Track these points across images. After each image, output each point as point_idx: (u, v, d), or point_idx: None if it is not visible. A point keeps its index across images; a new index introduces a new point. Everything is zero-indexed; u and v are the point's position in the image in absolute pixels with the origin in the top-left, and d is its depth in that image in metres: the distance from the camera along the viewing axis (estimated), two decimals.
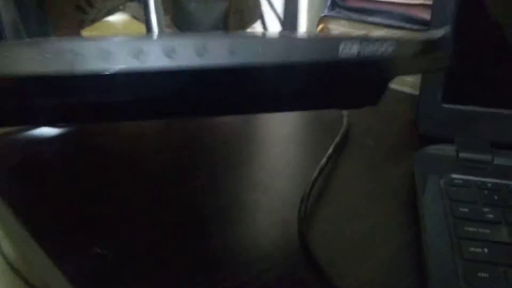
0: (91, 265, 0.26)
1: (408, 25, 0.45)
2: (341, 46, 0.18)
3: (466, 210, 0.28)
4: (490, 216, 0.27)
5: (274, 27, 0.53)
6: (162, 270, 0.26)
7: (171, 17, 0.49)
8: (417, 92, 0.37)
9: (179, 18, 0.48)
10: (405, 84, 0.47)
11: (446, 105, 0.35)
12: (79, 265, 0.27)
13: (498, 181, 0.31)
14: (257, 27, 0.51)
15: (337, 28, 0.49)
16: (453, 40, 0.33)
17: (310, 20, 0.56)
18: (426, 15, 0.44)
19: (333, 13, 0.49)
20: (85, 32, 0.47)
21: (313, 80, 0.20)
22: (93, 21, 0.49)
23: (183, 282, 0.25)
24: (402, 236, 0.28)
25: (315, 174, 0.32)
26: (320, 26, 0.50)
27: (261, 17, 0.51)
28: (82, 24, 0.48)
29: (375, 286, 0.25)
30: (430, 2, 0.43)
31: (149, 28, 0.31)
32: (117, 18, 0.49)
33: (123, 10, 0.49)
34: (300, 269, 0.26)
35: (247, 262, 0.26)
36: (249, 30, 0.50)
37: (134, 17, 0.49)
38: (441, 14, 0.34)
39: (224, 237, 0.28)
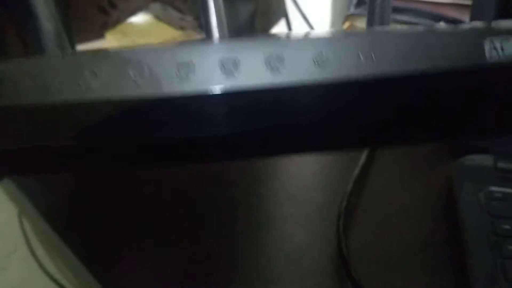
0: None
1: (438, 24, 0.44)
2: (487, 46, 0.14)
3: (507, 227, 0.28)
4: None
5: (298, 23, 0.52)
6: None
7: (194, 17, 0.48)
8: None
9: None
10: None
11: None
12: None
13: None
14: (281, 26, 0.50)
15: (364, 26, 0.48)
16: None
17: (334, 17, 0.55)
18: (456, 14, 0.43)
19: (359, 10, 0.48)
20: (109, 35, 0.47)
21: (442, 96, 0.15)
22: (116, 22, 0.48)
23: None
24: (442, 254, 0.28)
25: (349, 187, 0.32)
26: (346, 24, 0.49)
27: (285, 15, 0.50)
28: (105, 26, 0.48)
29: None
30: (460, 1, 0.42)
31: (208, 34, 0.29)
32: (140, 19, 0.49)
33: (146, 10, 0.49)
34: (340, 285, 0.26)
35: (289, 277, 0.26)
36: (274, 30, 0.49)
37: (158, 17, 0.49)
38: (479, 14, 0.33)
39: (266, 254, 0.28)
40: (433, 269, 0.27)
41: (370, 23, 0.27)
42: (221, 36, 0.29)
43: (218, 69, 0.13)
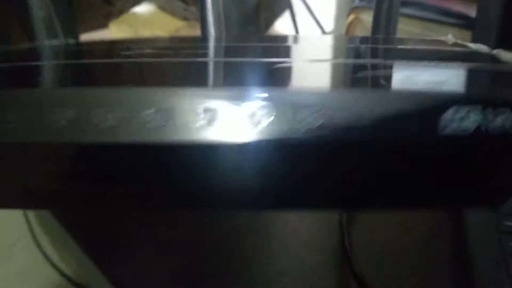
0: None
1: (443, 19, 0.44)
2: (446, 117, 0.13)
3: (511, 224, 0.28)
4: None
5: (302, 15, 0.52)
6: None
7: (197, 8, 0.48)
8: None
9: None
10: None
11: None
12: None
13: None
14: (286, 18, 0.50)
15: (369, 19, 0.48)
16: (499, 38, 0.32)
17: (339, 9, 0.54)
18: (462, 9, 0.43)
19: (364, 3, 0.48)
20: (112, 25, 0.46)
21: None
22: (120, 12, 0.48)
23: None
24: (445, 250, 0.28)
25: None
26: (351, 17, 0.49)
27: (289, 7, 0.50)
28: (109, 16, 0.48)
29: None
30: None
31: (204, 31, 0.29)
32: (143, 9, 0.49)
33: (150, 1, 0.49)
34: (343, 284, 0.26)
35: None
36: (278, 22, 0.49)
37: (161, 8, 0.48)
38: (485, 14, 0.33)
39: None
40: (436, 264, 0.27)
41: (375, 30, 0.27)
42: (218, 34, 0.29)
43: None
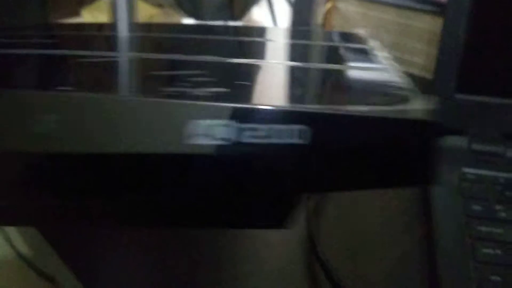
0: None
1: (418, 6, 0.44)
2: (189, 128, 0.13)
3: (478, 207, 0.27)
4: (503, 214, 0.27)
5: (280, 3, 0.51)
6: None
7: None
8: (427, 75, 0.36)
9: None
10: (416, 66, 0.46)
11: (459, 95, 0.34)
12: None
13: (510, 175, 0.30)
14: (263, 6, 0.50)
15: (347, 7, 0.48)
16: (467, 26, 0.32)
17: None
18: None
19: None
20: (84, 12, 0.46)
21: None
22: (93, 0, 0.47)
23: None
24: (413, 234, 0.28)
25: None
26: (329, 5, 0.49)
27: None
28: (81, 3, 0.47)
29: (382, 287, 0.25)
30: None
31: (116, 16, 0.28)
32: None
33: None
34: (308, 268, 0.26)
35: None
36: (255, 10, 0.48)
37: None
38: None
39: None
40: (403, 249, 0.27)
41: (294, 22, 0.27)
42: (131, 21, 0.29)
43: None
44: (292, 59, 0.22)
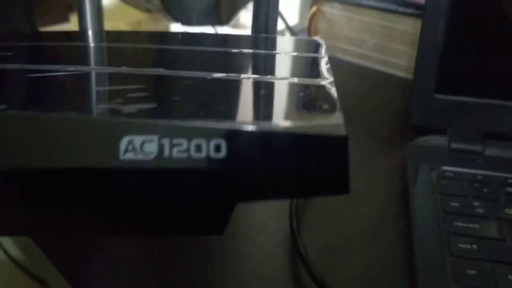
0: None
1: (401, 9, 0.45)
2: (124, 143, 0.14)
3: (456, 204, 0.28)
4: (480, 210, 0.28)
5: None
6: None
7: (160, 0, 0.48)
8: (410, 77, 0.37)
9: (169, 1, 0.47)
10: (399, 68, 0.47)
11: (438, 96, 0.34)
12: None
13: (488, 173, 0.31)
14: (250, 9, 0.50)
15: (331, 11, 0.48)
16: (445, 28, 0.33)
17: (303, 1, 0.55)
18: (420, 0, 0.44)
19: None
20: (74, 18, 0.46)
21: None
22: None
23: None
24: (393, 231, 0.29)
25: None
26: (314, 9, 0.49)
27: None
28: (71, 8, 0.47)
29: (364, 282, 0.25)
30: None
31: (82, 23, 0.28)
32: (106, 1, 0.48)
33: None
34: (291, 265, 0.26)
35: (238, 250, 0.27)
36: (242, 14, 0.49)
37: (123, 1, 0.48)
38: (435, 1, 0.34)
39: None
40: (382, 244, 0.28)
41: (254, 28, 0.26)
42: (96, 29, 0.29)
43: None
44: (230, 70, 0.22)
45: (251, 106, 0.18)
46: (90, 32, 0.28)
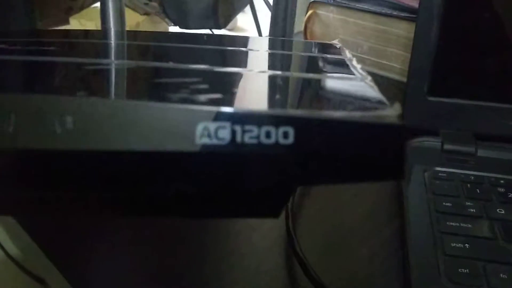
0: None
1: (396, 12, 0.45)
2: (200, 129, 0.15)
3: (449, 204, 0.29)
4: (472, 210, 0.28)
5: (264, 11, 0.53)
6: None
7: (158, 2, 0.49)
8: (405, 79, 0.37)
9: (168, 4, 0.47)
10: (394, 71, 0.47)
11: (431, 98, 0.35)
12: None
13: (480, 173, 0.32)
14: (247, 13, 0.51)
15: (327, 14, 0.49)
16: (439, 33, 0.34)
17: (301, 4, 0.55)
18: (414, 3, 0.44)
19: None
20: (73, 20, 0.47)
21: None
22: (81, 8, 0.48)
23: None
24: (387, 231, 0.29)
25: None
26: (310, 12, 0.50)
27: (250, 2, 0.51)
28: (70, 11, 0.48)
29: (358, 281, 0.26)
30: None
31: (105, 24, 0.29)
32: None
33: None
34: (287, 264, 0.27)
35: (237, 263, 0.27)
36: (240, 17, 0.50)
37: None
38: (428, 5, 0.35)
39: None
40: (376, 244, 0.28)
41: (272, 31, 0.28)
42: (118, 27, 0.30)
43: None
44: (275, 68, 0.23)
45: (308, 98, 0.19)
46: (118, 31, 0.29)
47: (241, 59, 0.26)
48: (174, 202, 0.18)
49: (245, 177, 0.16)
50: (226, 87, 0.20)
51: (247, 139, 0.15)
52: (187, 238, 0.28)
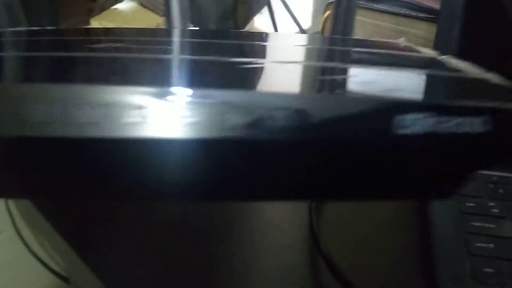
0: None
1: (413, 13, 0.45)
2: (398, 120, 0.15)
3: (472, 204, 0.29)
4: (495, 210, 0.29)
5: (281, 12, 0.53)
6: None
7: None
8: None
9: None
10: None
11: None
12: None
13: (503, 174, 0.32)
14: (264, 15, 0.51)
15: None
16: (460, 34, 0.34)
17: (316, 5, 0.56)
18: (432, 4, 0.45)
19: None
20: (94, 21, 0.47)
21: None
22: (102, 9, 0.49)
23: None
24: (412, 228, 0.29)
25: None
26: (327, 13, 0.50)
27: (267, 2, 0.51)
28: (91, 12, 0.48)
29: (386, 280, 0.26)
30: None
31: (169, 22, 0.30)
32: (125, 5, 0.49)
33: None
34: (310, 262, 0.27)
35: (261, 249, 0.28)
36: (257, 19, 0.50)
37: (142, 5, 0.49)
38: (450, 5, 0.35)
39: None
40: (401, 243, 0.29)
41: (335, 28, 0.28)
42: (183, 25, 0.30)
43: None
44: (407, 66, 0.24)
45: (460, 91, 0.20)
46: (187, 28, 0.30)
47: (363, 58, 0.27)
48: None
49: (438, 163, 0.17)
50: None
51: (445, 127, 0.16)
52: (214, 236, 0.29)
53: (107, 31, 0.32)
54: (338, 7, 0.28)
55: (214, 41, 0.27)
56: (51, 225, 0.31)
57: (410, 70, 0.23)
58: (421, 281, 0.26)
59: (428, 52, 0.27)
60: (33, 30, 0.27)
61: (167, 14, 0.28)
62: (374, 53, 0.27)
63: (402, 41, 0.29)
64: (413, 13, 0.46)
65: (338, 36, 0.30)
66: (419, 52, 0.27)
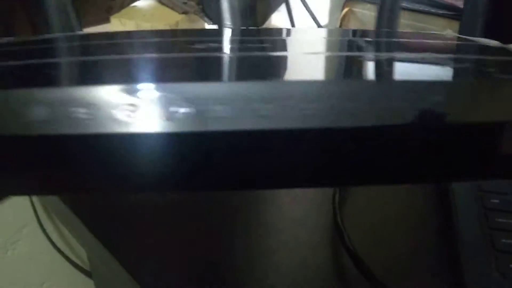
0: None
1: (433, 10, 0.45)
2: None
3: (496, 201, 0.29)
4: None
5: (298, 9, 0.53)
6: None
7: (197, 2, 0.49)
8: None
9: (206, 4, 0.48)
10: None
11: None
12: None
13: None
14: (282, 12, 0.51)
15: (363, 12, 0.49)
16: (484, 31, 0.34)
17: (333, 2, 0.56)
18: (453, 1, 0.45)
19: None
20: (113, 19, 0.48)
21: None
22: (121, 7, 0.49)
23: None
24: (435, 223, 0.30)
25: None
26: (345, 10, 0.50)
27: (285, 0, 0.51)
28: (110, 10, 0.49)
29: (410, 276, 0.26)
30: None
31: (220, 22, 0.29)
32: (144, 3, 0.50)
33: None
34: (335, 257, 0.27)
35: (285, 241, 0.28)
36: (275, 16, 0.50)
37: (161, 2, 0.50)
38: (473, 2, 0.35)
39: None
40: (425, 239, 0.29)
41: (379, 23, 0.28)
42: (233, 24, 0.30)
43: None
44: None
45: None
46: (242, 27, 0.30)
47: (395, 47, 0.26)
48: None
49: None
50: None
51: None
52: (239, 231, 0.29)
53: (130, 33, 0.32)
54: (382, 7, 0.28)
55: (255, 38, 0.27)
56: (79, 220, 0.32)
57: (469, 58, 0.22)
58: (446, 277, 0.26)
59: (488, 42, 0.26)
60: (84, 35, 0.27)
61: (218, 14, 0.28)
62: (427, 44, 0.27)
63: (448, 32, 0.29)
64: (433, 10, 0.45)
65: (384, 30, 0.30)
66: (474, 42, 0.27)
